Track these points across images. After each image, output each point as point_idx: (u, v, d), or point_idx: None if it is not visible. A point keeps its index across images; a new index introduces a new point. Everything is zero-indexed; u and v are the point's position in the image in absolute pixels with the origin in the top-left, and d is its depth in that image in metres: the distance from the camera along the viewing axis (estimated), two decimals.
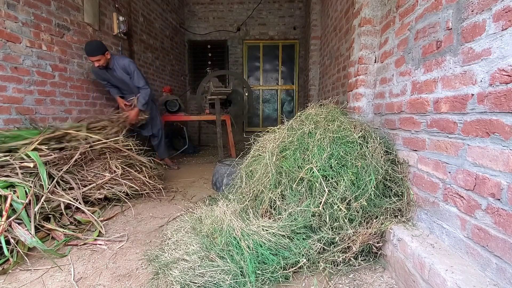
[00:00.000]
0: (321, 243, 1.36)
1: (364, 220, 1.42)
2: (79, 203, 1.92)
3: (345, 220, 1.38)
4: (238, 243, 1.37)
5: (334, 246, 1.37)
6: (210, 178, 3.15)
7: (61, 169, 2.05)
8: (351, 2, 2.35)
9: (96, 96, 3.43)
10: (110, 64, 3.15)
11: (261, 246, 1.34)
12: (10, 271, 1.40)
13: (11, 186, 1.70)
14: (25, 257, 1.46)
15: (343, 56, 2.88)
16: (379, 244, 1.40)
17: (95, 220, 1.90)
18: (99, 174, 2.30)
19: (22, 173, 1.79)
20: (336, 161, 1.48)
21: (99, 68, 3.08)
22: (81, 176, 2.19)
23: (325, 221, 1.39)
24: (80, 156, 2.22)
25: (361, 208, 1.39)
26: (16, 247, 1.44)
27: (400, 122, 1.56)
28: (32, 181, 1.79)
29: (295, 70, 6.81)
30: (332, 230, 1.39)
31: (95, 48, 2.93)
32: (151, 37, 5.00)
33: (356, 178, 1.44)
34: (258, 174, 1.68)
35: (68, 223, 1.85)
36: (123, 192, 2.31)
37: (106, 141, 2.49)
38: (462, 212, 1.04)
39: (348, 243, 1.36)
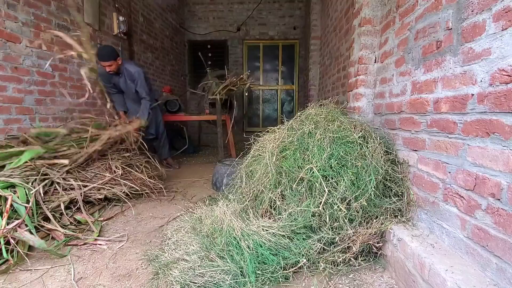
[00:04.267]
0: (321, 243, 1.36)
1: (364, 220, 1.42)
2: (79, 205, 1.93)
3: (345, 220, 1.38)
4: (238, 243, 1.37)
5: (334, 246, 1.37)
6: (210, 178, 3.15)
7: (63, 171, 2.05)
8: (351, 2, 2.35)
9: (96, 96, 3.43)
10: (120, 70, 3.15)
11: (261, 246, 1.34)
12: (10, 271, 1.40)
13: (11, 186, 1.70)
14: (25, 257, 1.46)
15: (343, 56, 2.88)
16: (379, 244, 1.40)
17: (96, 220, 1.90)
18: (100, 174, 2.30)
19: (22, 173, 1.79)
20: (336, 161, 1.48)
21: (109, 73, 3.07)
22: (82, 176, 2.19)
23: (325, 221, 1.39)
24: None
25: (361, 208, 1.39)
26: (16, 247, 1.44)
27: (400, 122, 1.56)
28: (33, 181, 1.79)
29: (295, 70, 6.81)
30: (332, 230, 1.39)
31: (107, 54, 2.94)
32: (151, 37, 5.00)
33: (356, 178, 1.44)
34: (258, 174, 1.68)
35: (68, 223, 1.85)
36: (123, 192, 2.31)
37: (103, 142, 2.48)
38: (462, 212, 1.04)
39: (348, 243, 1.36)
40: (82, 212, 1.96)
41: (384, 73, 1.81)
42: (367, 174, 1.43)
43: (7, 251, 1.42)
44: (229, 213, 1.58)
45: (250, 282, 1.22)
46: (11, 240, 1.44)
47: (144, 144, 2.89)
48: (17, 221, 1.48)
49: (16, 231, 1.46)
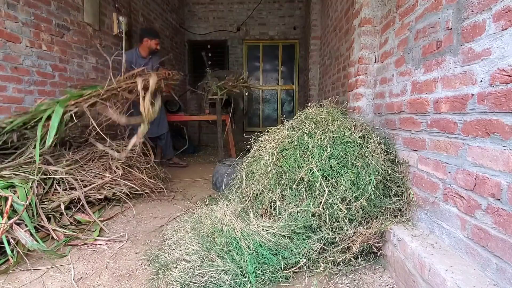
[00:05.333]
0: (321, 243, 1.36)
1: (364, 220, 1.42)
2: (82, 205, 1.93)
3: (345, 220, 1.38)
4: (238, 243, 1.37)
5: (334, 246, 1.37)
6: (210, 178, 3.15)
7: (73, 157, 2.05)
8: (351, 2, 2.35)
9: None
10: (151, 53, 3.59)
11: (261, 246, 1.34)
12: (10, 271, 1.40)
13: (12, 186, 1.70)
14: (25, 257, 1.46)
15: (343, 56, 2.88)
16: (379, 244, 1.40)
17: (97, 219, 1.90)
18: (100, 174, 2.30)
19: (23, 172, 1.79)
20: (336, 161, 1.48)
21: (144, 57, 3.49)
22: (82, 177, 2.19)
23: (325, 221, 1.39)
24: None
25: (361, 208, 1.39)
26: (16, 247, 1.44)
27: (400, 122, 1.56)
28: (33, 181, 1.79)
29: (295, 70, 6.81)
30: (332, 230, 1.39)
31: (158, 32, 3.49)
32: None
33: (356, 178, 1.44)
34: (258, 174, 1.68)
35: (68, 223, 1.85)
36: (123, 192, 2.31)
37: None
38: (462, 212, 1.04)
39: (348, 243, 1.36)
40: (82, 212, 1.96)
41: (384, 73, 1.81)
42: (367, 174, 1.43)
43: (5, 251, 1.42)
44: (229, 213, 1.58)
45: (250, 282, 1.22)
46: (11, 240, 1.44)
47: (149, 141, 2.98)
48: (14, 218, 1.48)
49: (12, 228, 1.46)
